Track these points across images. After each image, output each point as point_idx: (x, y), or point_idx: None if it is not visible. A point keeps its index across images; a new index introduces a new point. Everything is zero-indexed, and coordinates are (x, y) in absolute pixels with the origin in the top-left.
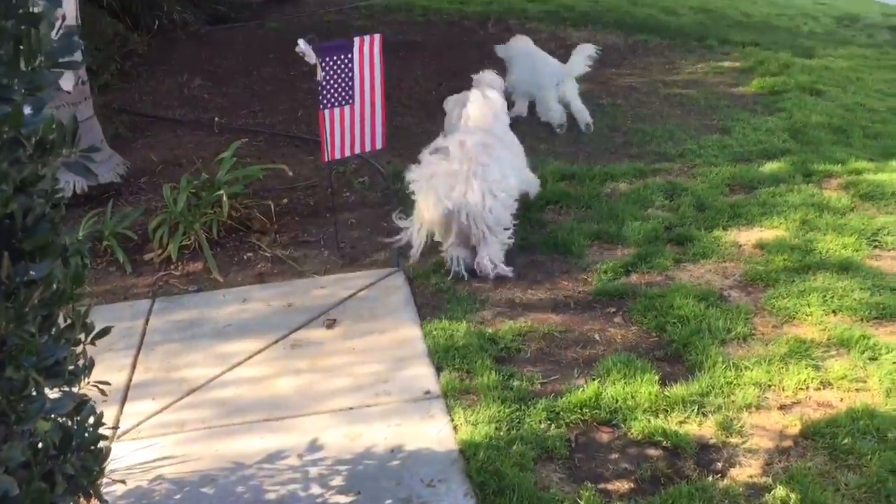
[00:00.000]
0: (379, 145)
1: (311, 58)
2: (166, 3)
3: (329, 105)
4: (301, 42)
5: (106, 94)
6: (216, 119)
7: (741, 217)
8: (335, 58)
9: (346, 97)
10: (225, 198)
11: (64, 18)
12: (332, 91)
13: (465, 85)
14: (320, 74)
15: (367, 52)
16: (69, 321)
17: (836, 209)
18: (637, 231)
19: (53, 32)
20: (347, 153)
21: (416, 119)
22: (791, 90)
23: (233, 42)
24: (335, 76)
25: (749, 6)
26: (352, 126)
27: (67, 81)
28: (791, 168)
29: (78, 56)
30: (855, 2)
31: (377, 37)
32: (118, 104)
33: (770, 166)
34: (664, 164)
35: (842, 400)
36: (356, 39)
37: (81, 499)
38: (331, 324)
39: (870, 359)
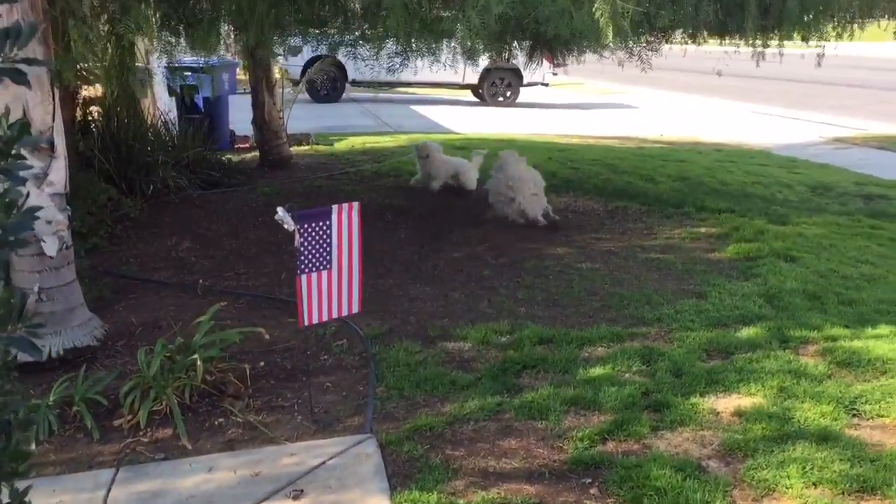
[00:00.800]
0: (356, 309)
1: (290, 225)
2: (161, 168)
3: (306, 270)
4: (280, 210)
5: (94, 257)
6: (200, 281)
7: (718, 383)
8: (313, 224)
9: (324, 263)
10: (199, 362)
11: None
12: (310, 257)
13: (447, 247)
14: (298, 241)
15: (345, 219)
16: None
17: (813, 376)
18: (614, 397)
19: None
20: (325, 318)
21: (397, 281)
22: (766, 256)
23: (224, 206)
24: (313, 242)
25: (725, 174)
26: (329, 291)
27: (51, 246)
28: (767, 334)
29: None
30: (828, 172)
31: (355, 204)
32: (105, 267)
33: (747, 332)
34: (641, 329)
35: None
36: (334, 207)
37: None
38: (297, 495)
39: None
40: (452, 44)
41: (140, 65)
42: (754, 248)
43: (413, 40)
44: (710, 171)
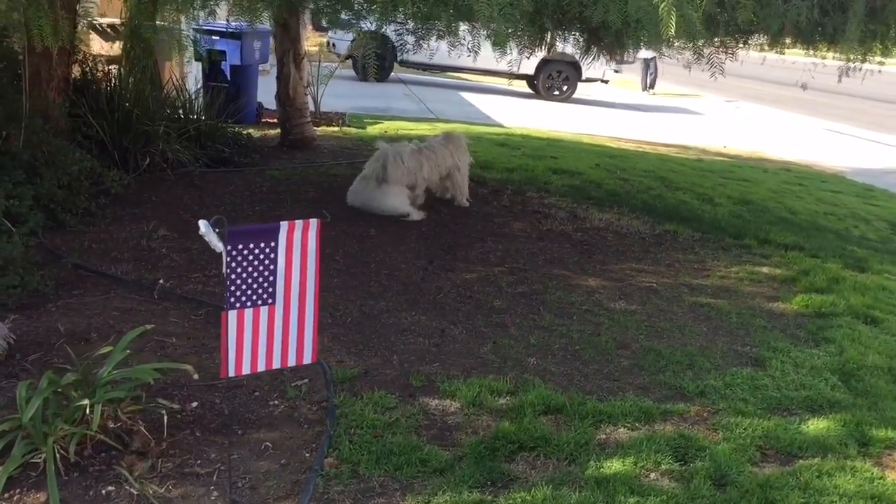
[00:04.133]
0: (307, 360)
1: (215, 245)
2: (162, 140)
3: (237, 305)
4: (203, 224)
5: (57, 238)
6: (160, 282)
7: None
8: (251, 246)
9: (264, 296)
10: (97, 406)
11: None
12: (244, 287)
13: (459, 265)
14: (226, 266)
15: (298, 240)
16: None
17: None
18: None
19: None
20: (261, 367)
21: (389, 305)
22: (841, 314)
23: (223, 188)
24: (250, 269)
25: (794, 200)
26: (269, 333)
27: None
28: (842, 430)
29: None
30: None
31: (314, 222)
32: (64, 251)
33: (815, 425)
34: (678, 405)
35: None
36: (283, 224)
37: None
38: None
39: None
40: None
41: (163, 23)
42: (827, 302)
43: (429, 17)
44: (777, 194)
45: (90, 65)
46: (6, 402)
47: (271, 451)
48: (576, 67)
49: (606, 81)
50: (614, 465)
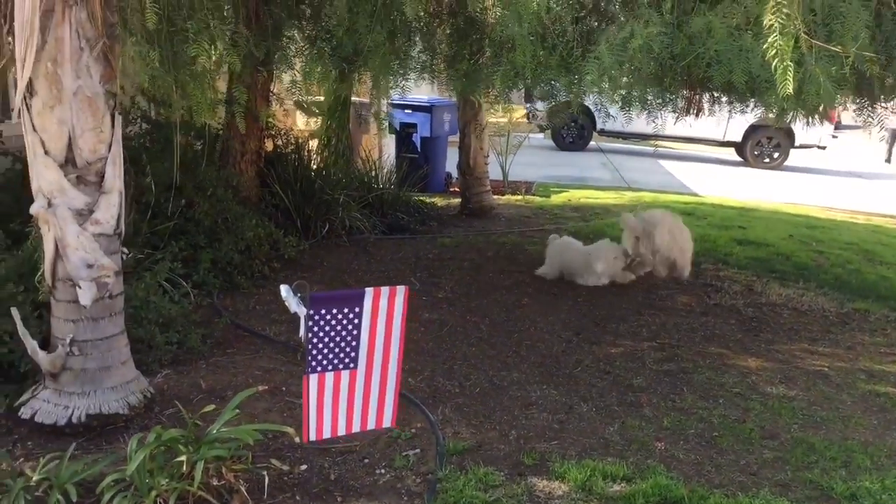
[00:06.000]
0: (387, 423)
1: (296, 309)
2: (342, 208)
3: (319, 369)
4: (283, 289)
5: (228, 299)
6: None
7: None
8: (335, 311)
9: (346, 360)
10: (199, 463)
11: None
12: (326, 351)
13: (607, 338)
14: (304, 329)
15: (384, 307)
16: None
17: None
18: None
19: None
20: (342, 432)
21: (521, 377)
22: None
23: (394, 254)
24: (332, 333)
25: None
26: (350, 397)
27: (86, 294)
28: None
29: None
30: None
31: (402, 289)
32: (230, 310)
33: None
34: None
35: None
36: (369, 291)
37: None
38: None
39: None
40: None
41: (360, 99)
42: None
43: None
44: None
45: (282, 139)
46: (112, 458)
47: None
48: (788, 133)
49: (824, 147)
50: None
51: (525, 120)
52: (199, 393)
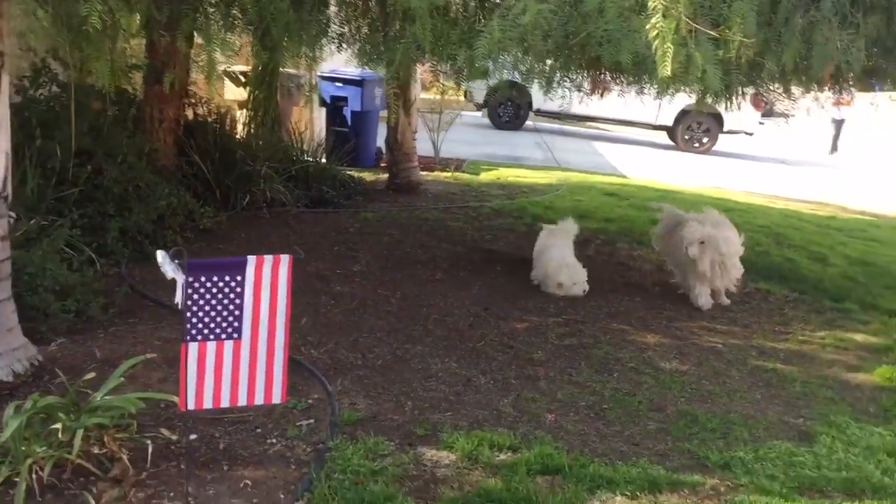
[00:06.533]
0: (276, 399)
1: (172, 276)
2: (265, 180)
3: (199, 337)
4: (159, 254)
5: (139, 269)
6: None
7: None
8: (214, 279)
9: (229, 330)
10: (79, 431)
11: None
12: (206, 320)
13: (515, 314)
14: (181, 297)
15: (267, 276)
16: None
17: None
18: None
19: None
20: (224, 403)
21: (427, 350)
22: None
23: (313, 227)
24: (213, 302)
25: None
26: (234, 369)
27: None
28: None
29: None
30: None
31: (286, 258)
32: (137, 280)
33: None
34: (693, 477)
35: None
36: (251, 259)
37: None
38: None
39: None
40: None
41: (289, 70)
42: None
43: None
44: None
45: (204, 108)
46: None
47: (249, 489)
48: (717, 119)
49: (751, 134)
50: None
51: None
52: (93, 362)
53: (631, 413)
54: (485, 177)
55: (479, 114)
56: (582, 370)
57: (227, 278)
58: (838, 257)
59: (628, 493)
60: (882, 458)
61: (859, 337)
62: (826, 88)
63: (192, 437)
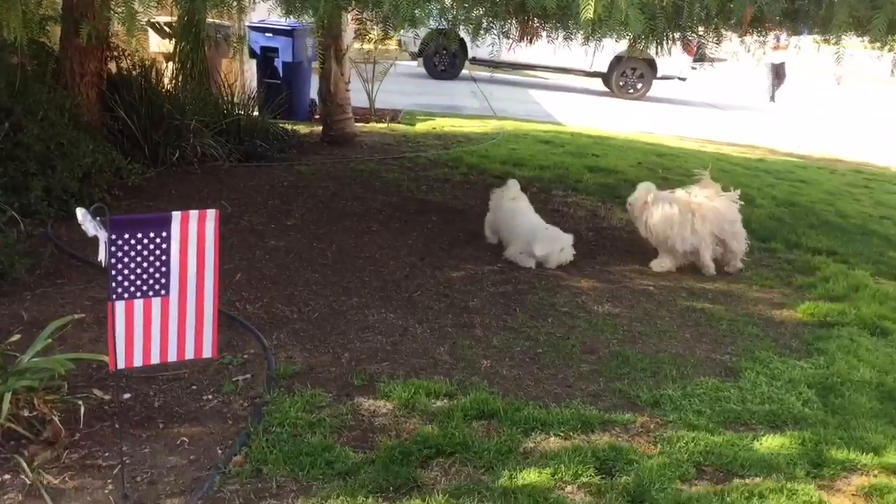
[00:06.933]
0: (207, 353)
1: (94, 234)
2: (196, 135)
3: (124, 295)
4: (79, 212)
5: (66, 227)
6: None
7: None
8: (138, 236)
9: (156, 287)
10: (6, 394)
11: None
12: (132, 278)
13: (451, 262)
14: (104, 254)
15: (193, 231)
16: None
17: None
18: None
19: None
20: (155, 360)
21: (361, 302)
22: (848, 324)
23: (246, 182)
24: (138, 259)
25: (848, 204)
26: (163, 325)
27: None
28: (798, 450)
29: None
30: None
31: (212, 212)
32: (65, 240)
33: (768, 442)
34: (624, 415)
35: None
36: (176, 214)
37: None
38: None
39: None
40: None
41: (216, 21)
42: (836, 311)
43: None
44: (832, 196)
45: (129, 61)
46: None
47: (186, 446)
48: (651, 65)
49: (684, 79)
50: (530, 476)
51: (396, 47)
52: (19, 325)
53: (565, 356)
54: (421, 127)
55: (414, 63)
56: (517, 316)
57: (151, 234)
58: (766, 198)
59: (562, 434)
60: (803, 391)
61: (783, 275)
62: (751, 32)
63: (126, 396)
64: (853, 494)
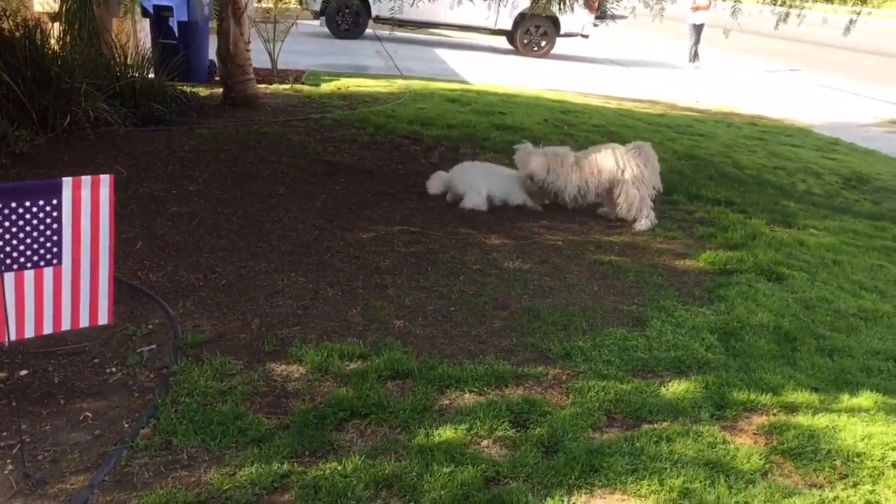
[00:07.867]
0: (103, 320)
1: None
2: (87, 99)
3: (14, 267)
4: None
5: None
6: None
7: (599, 473)
8: (26, 204)
9: (47, 256)
10: None
11: None
12: (23, 248)
13: (361, 224)
14: None
15: (86, 198)
16: None
17: (740, 473)
18: (442, 484)
19: None
20: (47, 330)
21: (272, 266)
22: (746, 271)
23: (144, 147)
24: (27, 228)
25: (744, 155)
26: (56, 295)
27: None
28: (702, 393)
29: None
30: (872, 159)
31: (106, 178)
32: None
33: (674, 388)
34: (537, 369)
35: None
36: (67, 181)
37: None
38: None
39: None
40: None
41: None
42: (734, 259)
43: None
44: (729, 149)
45: (10, 22)
46: None
47: (89, 421)
48: (554, 22)
49: (586, 36)
50: (446, 433)
51: (296, 5)
52: None
53: (477, 313)
54: (325, 87)
55: (316, 23)
56: (429, 275)
57: (41, 202)
58: (667, 152)
59: (476, 390)
60: (706, 336)
61: (686, 226)
62: None
63: (23, 372)
64: (754, 433)
